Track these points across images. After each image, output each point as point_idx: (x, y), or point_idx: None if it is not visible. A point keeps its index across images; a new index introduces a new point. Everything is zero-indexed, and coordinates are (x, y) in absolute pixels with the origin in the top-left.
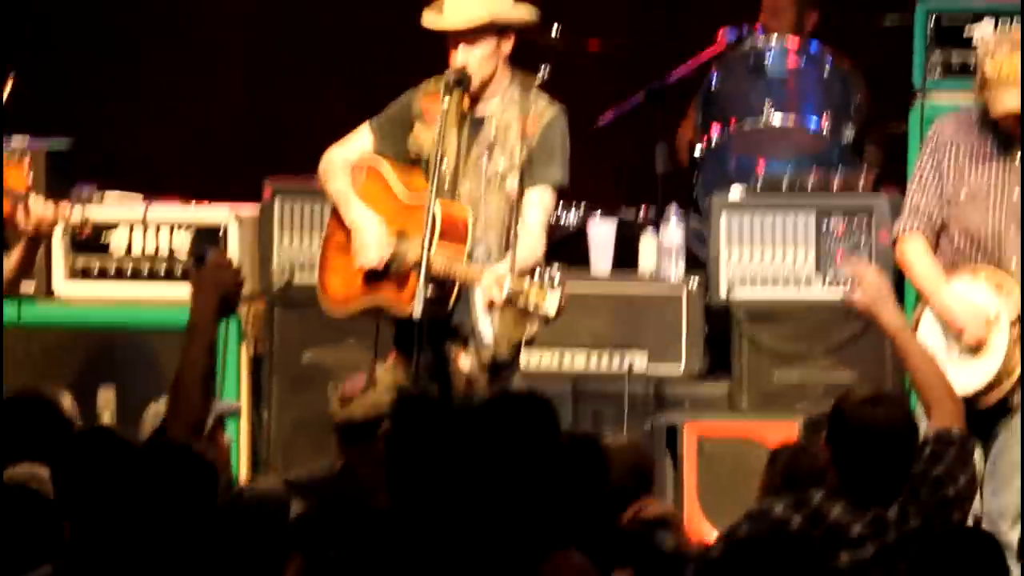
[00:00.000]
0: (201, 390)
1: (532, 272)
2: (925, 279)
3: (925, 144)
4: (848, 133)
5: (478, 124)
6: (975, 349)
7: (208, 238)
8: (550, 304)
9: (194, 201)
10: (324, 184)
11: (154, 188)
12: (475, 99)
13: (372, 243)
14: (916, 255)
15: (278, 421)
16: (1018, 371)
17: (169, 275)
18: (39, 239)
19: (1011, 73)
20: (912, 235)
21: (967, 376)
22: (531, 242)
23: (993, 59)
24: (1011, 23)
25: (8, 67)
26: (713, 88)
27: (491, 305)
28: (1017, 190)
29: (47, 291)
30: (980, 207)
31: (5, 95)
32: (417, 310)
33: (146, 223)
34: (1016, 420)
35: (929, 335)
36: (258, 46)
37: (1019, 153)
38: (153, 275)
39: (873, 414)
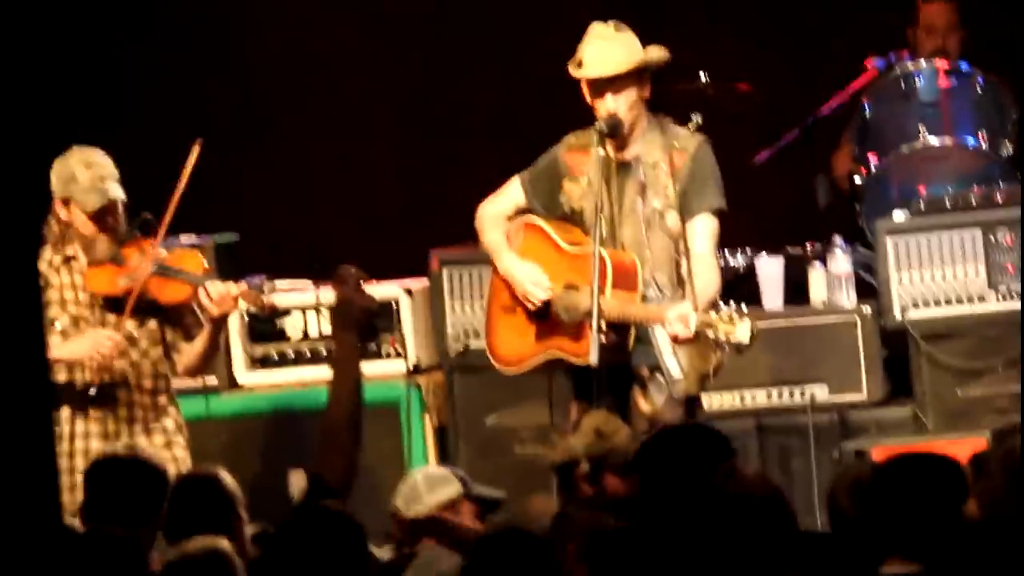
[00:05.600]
0: (349, 430)
1: (715, 303)
2: None
3: None
4: (1006, 148)
5: (627, 169)
6: None
7: (382, 314)
8: (742, 332)
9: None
10: (480, 238)
11: (320, 274)
12: (621, 146)
13: (534, 284)
14: None
15: None
16: None
17: None
18: (222, 323)
19: None
20: None
21: None
22: (706, 272)
23: None
24: None
25: (198, 140)
26: (866, 117)
27: (677, 340)
28: None
29: (230, 383)
30: None
31: (191, 164)
32: (594, 356)
33: (319, 307)
34: None
35: None
36: (406, 117)
37: None
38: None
39: None
